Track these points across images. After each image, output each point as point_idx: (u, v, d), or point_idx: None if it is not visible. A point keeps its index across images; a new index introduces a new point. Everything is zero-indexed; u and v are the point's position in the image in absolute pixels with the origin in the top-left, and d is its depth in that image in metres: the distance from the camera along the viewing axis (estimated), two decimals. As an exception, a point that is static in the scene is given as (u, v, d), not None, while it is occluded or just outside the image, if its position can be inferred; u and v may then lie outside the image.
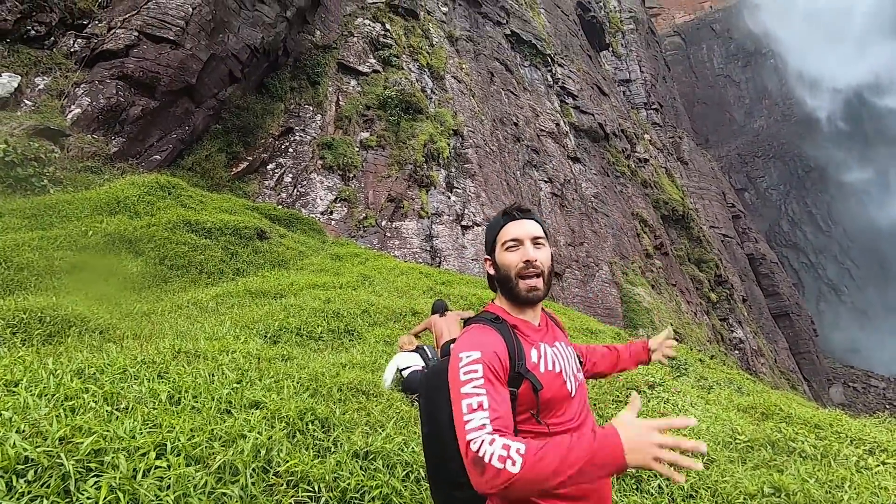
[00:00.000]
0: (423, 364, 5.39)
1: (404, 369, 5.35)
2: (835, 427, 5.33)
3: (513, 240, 1.61)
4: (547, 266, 1.61)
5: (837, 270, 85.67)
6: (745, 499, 3.45)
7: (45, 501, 1.99)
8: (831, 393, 46.15)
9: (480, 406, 1.37)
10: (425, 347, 5.70)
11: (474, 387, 1.40)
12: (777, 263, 56.09)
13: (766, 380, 29.46)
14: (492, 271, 1.67)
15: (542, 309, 1.75)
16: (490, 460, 1.25)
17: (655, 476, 3.63)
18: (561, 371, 1.56)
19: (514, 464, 1.22)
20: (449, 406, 1.47)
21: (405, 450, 3.36)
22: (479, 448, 1.28)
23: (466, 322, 1.64)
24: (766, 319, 45.41)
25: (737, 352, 34.59)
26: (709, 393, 6.97)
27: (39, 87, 13.16)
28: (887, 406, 43.51)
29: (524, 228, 1.62)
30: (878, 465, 4.38)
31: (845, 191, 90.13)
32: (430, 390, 1.63)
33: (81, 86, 13.31)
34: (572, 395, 1.56)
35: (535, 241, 1.62)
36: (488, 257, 1.69)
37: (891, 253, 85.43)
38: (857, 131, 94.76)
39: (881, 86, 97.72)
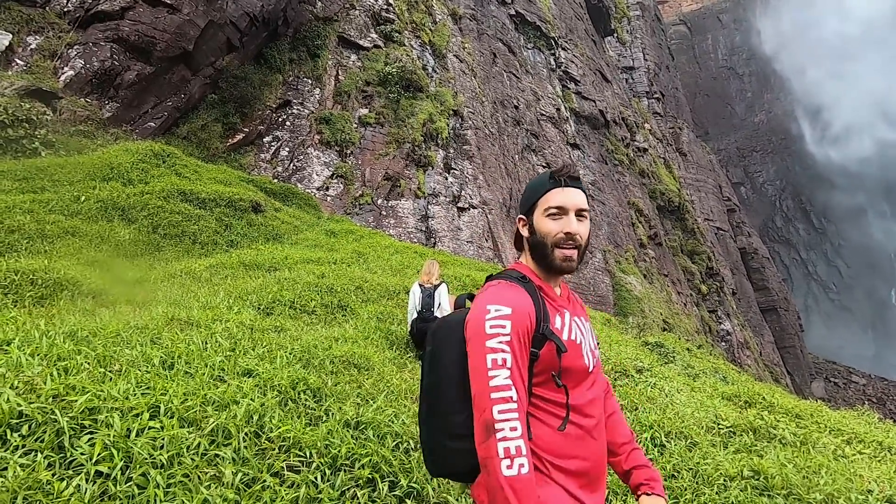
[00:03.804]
0: (419, 308, 5.93)
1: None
2: (815, 417, 5.47)
3: (558, 208, 1.51)
4: (586, 239, 1.54)
5: (827, 268, 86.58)
6: (724, 480, 3.54)
7: (39, 455, 2.01)
8: (813, 387, 47.11)
9: (504, 363, 1.35)
10: (435, 293, 6.09)
11: (500, 342, 1.37)
12: (768, 258, 56.62)
13: (750, 371, 29.98)
14: (525, 233, 1.58)
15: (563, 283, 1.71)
16: (499, 442, 1.29)
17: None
18: (581, 343, 1.52)
19: (509, 468, 1.26)
20: (456, 358, 1.46)
21: (395, 421, 3.40)
22: (500, 427, 1.30)
23: (488, 278, 1.60)
24: (754, 313, 46.02)
25: (723, 343, 35.12)
26: (695, 380, 7.09)
27: (31, 46, 12.83)
28: (866, 402, 44.46)
29: (571, 198, 1.52)
30: (855, 454, 4.51)
31: (841, 190, 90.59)
32: (438, 341, 1.57)
33: (75, 47, 12.99)
34: (590, 370, 1.53)
35: (580, 213, 1.53)
36: (524, 217, 1.60)
37: (881, 253, 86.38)
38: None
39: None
